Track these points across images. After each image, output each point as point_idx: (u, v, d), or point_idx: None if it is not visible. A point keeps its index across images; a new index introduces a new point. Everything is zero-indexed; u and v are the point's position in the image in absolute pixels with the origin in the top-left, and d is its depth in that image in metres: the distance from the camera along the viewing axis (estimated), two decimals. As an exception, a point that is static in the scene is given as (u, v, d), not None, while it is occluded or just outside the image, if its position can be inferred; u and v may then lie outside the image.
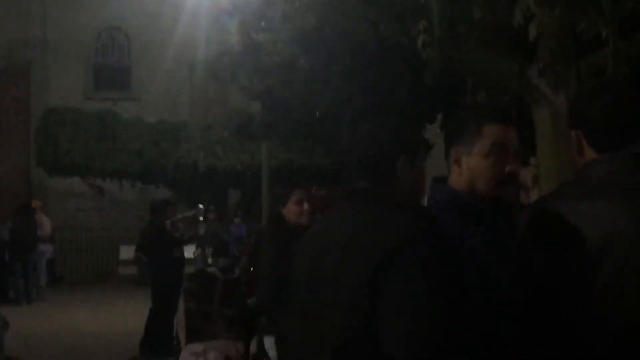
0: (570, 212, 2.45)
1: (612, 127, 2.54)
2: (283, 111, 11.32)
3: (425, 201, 2.89)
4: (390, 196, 2.41)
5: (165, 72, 28.03)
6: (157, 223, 11.41)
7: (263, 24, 9.52)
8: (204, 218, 17.39)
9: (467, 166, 2.72)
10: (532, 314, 2.49)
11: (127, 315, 14.07)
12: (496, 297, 2.53)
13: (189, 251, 15.19)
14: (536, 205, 2.71)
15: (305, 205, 5.61)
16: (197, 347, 8.15)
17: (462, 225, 2.63)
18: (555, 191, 2.69)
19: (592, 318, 2.38)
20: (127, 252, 19.66)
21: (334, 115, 10.86)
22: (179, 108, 28.58)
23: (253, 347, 7.98)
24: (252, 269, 9.26)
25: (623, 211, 2.40)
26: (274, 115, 12.19)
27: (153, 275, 11.42)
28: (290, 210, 5.61)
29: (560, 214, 2.47)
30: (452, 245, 2.44)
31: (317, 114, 10.96)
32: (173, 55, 26.58)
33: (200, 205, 13.81)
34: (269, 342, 5.53)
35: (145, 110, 25.06)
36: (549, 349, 2.44)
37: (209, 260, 19.28)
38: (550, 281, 2.46)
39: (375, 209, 2.35)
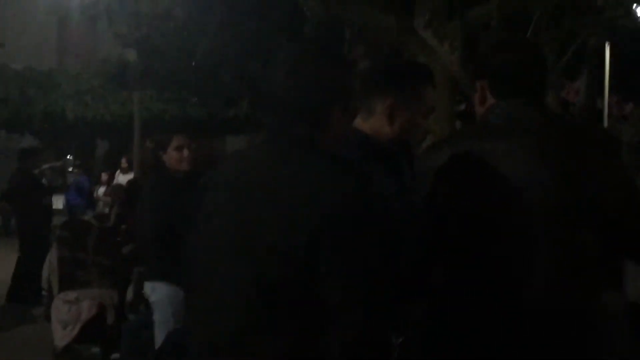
0: (469, 151, 2.64)
1: (514, 78, 2.72)
2: (159, 60, 11.22)
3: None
4: (321, 143, 2.37)
5: (32, 19, 27.12)
6: (25, 171, 11.20)
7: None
8: (72, 168, 17.14)
9: (403, 121, 2.85)
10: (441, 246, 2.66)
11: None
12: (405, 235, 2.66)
13: (58, 201, 14.88)
14: (436, 146, 2.85)
15: (185, 152, 5.56)
16: (71, 295, 8.05)
17: (371, 166, 2.71)
18: (454, 133, 2.87)
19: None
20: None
21: (209, 65, 10.85)
22: (46, 55, 27.74)
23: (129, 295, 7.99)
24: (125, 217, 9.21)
25: (520, 149, 2.57)
26: (150, 63, 12.04)
27: (20, 223, 11.23)
28: (171, 156, 5.56)
29: (458, 153, 2.65)
30: (380, 196, 2.53)
31: (193, 63, 10.95)
32: (41, 1, 25.74)
33: (69, 156, 13.57)
34: (149, 288, 5.51)
35: (10, 57, 24.19)
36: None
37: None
38: (450, 212, 2.65)
39: (313, 157, 2.33)
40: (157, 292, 5.43)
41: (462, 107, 9.96)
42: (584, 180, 2.53)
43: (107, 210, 14.06)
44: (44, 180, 11.66)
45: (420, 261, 2.70)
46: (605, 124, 12.84)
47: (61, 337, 7.86)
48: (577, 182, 2.53)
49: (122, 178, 16.38)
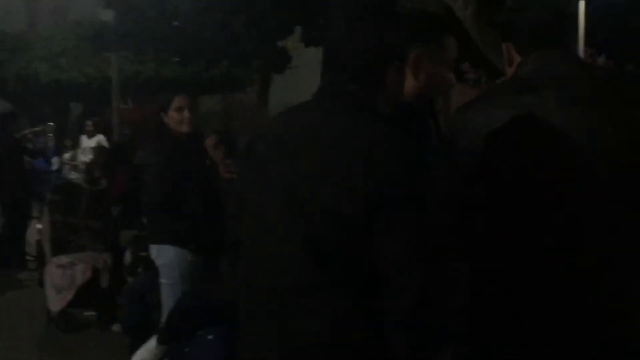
0: (506, 106, 2.53)
1: (537, 30, 2.66)
2: (139, 20, 11.09)
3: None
4: (375, 103, 2.36)
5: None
6: (5, 135, 11.11)
7: None
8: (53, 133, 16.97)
9: (428, 72, 2.82)
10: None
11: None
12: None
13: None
14: (472, 105, 2.80)
15: (186, 113, 5.50)
16: (64, 259, 8.00)
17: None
18: (488, 91, 2.83)
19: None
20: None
21: (191, 25, 10.74)
22: (15, 17, 27.31)
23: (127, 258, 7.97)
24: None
25: (557, 100, 2.49)
26: (129, 24, 11.89)
27: (2, 188, 11.15)
28: (171, 118, 5.50)
29: (495, 109, 2.55)
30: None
31: (174, 24, 10.83)
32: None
33: (51, 123, 13.44)
34: (155, 251, 5.48)
35: (-21, 20, 23.83)
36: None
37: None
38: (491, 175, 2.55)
39: (372, 119, 2.29)
40: (163, 254, 5.40)
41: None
42: (631, 123, 2.47)
43: (74, 175, 13.98)
44: (29, 145, 11.58)
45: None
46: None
47: (55, 301, 7.82)
48: (625, 125, 2.46)
49: (86, 142, 16.20)
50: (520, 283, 2.45)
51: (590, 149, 2.43)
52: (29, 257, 10.81)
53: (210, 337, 4.41)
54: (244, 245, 2.47)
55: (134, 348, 5.59)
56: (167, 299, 5.30)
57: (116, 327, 7.38)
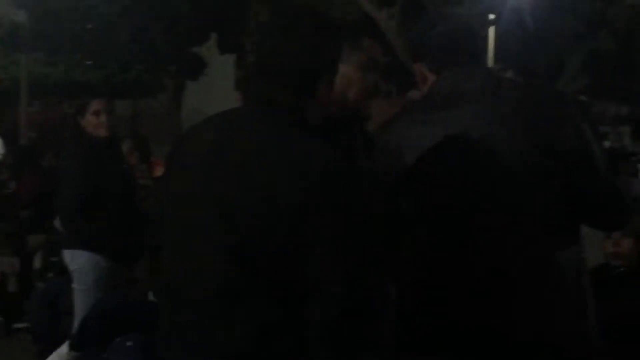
0: (425, 124, 2.68)
1: (447, 53, 2.75)
2: (53, 22, 10.92)
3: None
4: (308, 113, 2.34)
5: None
6: None
7: None
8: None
9: (342, 74, 2.71)
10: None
11: None
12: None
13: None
14: (392, 124, 2.88)
15: (103, 117, 5.43)
16: (-30, 263, 7.84)
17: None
18: (406, 109, 2.90)
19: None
20: None
21: (106, 28, 10.63)
22: None
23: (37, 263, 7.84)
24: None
25: (472, 117, 2.63)
26: (43, 25, 11.70)
27: None
28: (89, 122, 5.42)
29: (414, 128, 2.69)
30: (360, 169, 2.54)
31: (89, 26, 10.69)
32: None
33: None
34: (69, 256, 5.40)
35: None
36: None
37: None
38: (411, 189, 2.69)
39: (300, 128, 2.29)
40: (77, 260, 5.32)
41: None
42: (540, 137, 2.58)
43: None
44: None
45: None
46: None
47: (-40, 306, 7.64)
48: (531, 141, 2.58)
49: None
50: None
51: (504, 158, 2.58)
52: None
53: (129, 343, 4.38)
54: (167, 253, 2.44)
55: (42, 354, 5.50)
56: (80, 304, 5.23)
57: (24, 333, 7.24)
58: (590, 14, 12.86)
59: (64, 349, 5.02)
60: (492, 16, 13.99)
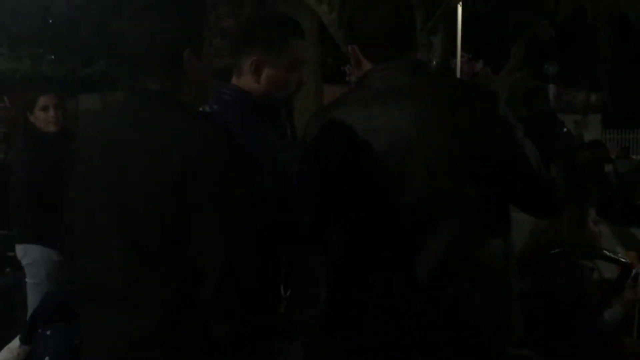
0: (354, 117, 2.70)
1: (385, 39, 2.75)
2: (15, 16, 10.88)
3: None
4: (179, 94, 2.39)
5: None
6: None
7: None
8: None
9: (269, 76, 2.83)
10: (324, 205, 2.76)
11: None
12: (286, 189, 2.74)
13: None
14: (323, 113, 2.92)
15: (52, 112, 5.43)
16: None
17: (253, 124, 2.78)
18: (339, 99, 2.91)
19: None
20: None
21: (68, 22, 10.60)
22: None
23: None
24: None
25: (402, 111, 2.64)
26: (4, 20, 11.65)
27: None
28: (38, 117, 5.42)
29: (345, 118, 2.71)
30: (242, 147, 2.58)
31: (50, 21, 10.67)
32: None
33: None
34: (21, 250, 5.42)
35: None
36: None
37: None
38: (340, 177, 2.73)
39: (166, 112, 2.33)
40: (29, 254, 5.35)
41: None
42: (466, 136, 2.60)
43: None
44: None
45: (308, 215, 2.78)
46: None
47: None
48: (459, 139, 2.60)
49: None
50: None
51: (431, 157, 2.61)
52: None
53: (48, 332, 4.46)
54: (73, 244, 2.51)
55: (-2, 348, 5.50)
56: (33, 298, 5.25)
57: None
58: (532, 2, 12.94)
59: (15, 342, 5.04)
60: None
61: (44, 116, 5.41)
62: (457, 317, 2.62)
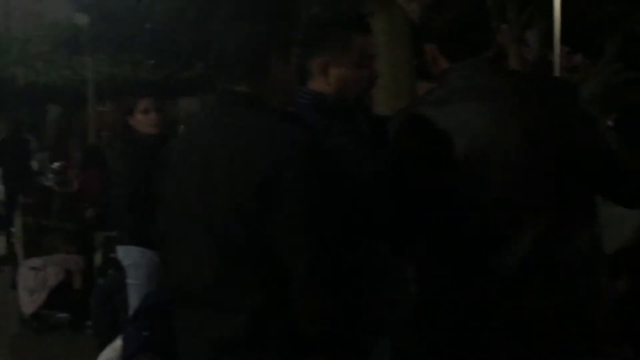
0: (434, 115, 2.66)
1: (461, 37, 2.73)
2: (112, 24, 11.15)
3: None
4: (266, 97, 2.43)
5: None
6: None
7: None
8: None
9: (337, 76, 2.84)
10: (403, 204, 2.70)
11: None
12: (363, 189, 2.71)
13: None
14: (404, 112, 2.90)
15: (152, 115, 5.54)
16: (36, 261, 8.05)
17: (330, 126, 2.76)
18: (420, 98, 2.89)
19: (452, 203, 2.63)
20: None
21: (166, 27, 10.81)
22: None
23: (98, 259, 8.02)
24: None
25: (482, 109, 2.61)
26: (103, 27, 11.94)
27: None
28: (138, 120, 5.53)
29: (425, 117, 2.67)
30: (325, 150, 2.58)
31: (148, 27, 10.90)
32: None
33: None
34: (122, 252, 5.54)
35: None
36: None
37: None
38: (420, 175, 2.67)
39: (254, 115, 2.38)
40: (130, 256, 5.46)
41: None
42: (546, 132, 2.57)
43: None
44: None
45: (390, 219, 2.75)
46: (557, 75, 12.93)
47: (28, 304, 7.87)
48: (542, 137, 2.57)
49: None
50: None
51: (499, 159, 2.57)
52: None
53: (146, 333, 4.54)
54: (165, 247, 2.56)
55: (102, 348, 5.63)
56: (134, 299, 5.35)
57: (89, 329, 7.41)
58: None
59: (118, 342, 5.14)
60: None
61: (144, 119, 5.51)
62: (542, 315, 2.57)
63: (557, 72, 13.57)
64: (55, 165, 11.38)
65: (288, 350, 2.30)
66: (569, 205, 2.60)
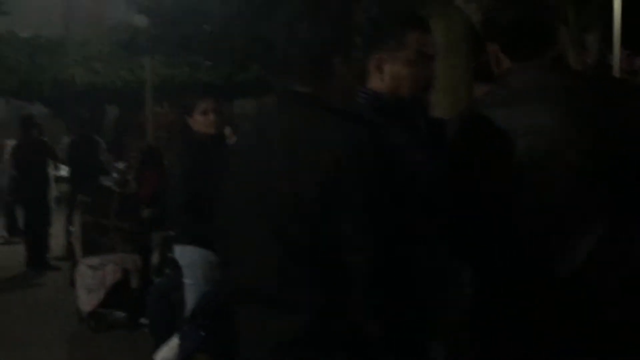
0: (496, 117, 2.62)
1: (523, 38, 2.70)
2: (171, 25, 11.25)
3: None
4: (327, 98, 2.43)
5: (37, -15, 27.00)
6: (33, 137, 11.42)
7: None
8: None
9: (391, 73, 2.82)
10: (462, 206, 2.67)
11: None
12: (421, 189, 2.71)
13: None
14: (464, 113, 2.87)
15: (212, 116, 5.59)
16: (94, 260, 8.16)
17: (387, 126, 2.75)
18: (480, 99, 2.86)
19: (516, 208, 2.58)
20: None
21: (223, 29, 10.88)
22: (53, 22, 27.61)
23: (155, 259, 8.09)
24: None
25: (544, 113, 2.56)
26: (162, 29, 12.03)
27: (26, 191, 11.47)
28: (197, 121, 5.58)
29: (487, 118, 2.63)
30: (386, 150, 2.57)
31: (207, 28, 11.01)
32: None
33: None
34: (179, 251, 5.58)
35: (17, 25, 24.04)
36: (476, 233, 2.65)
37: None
38: (480, 177, 2.64)
39: (317, 114, 2.38)
40: (187, 255, 5.50)
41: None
42: (610, 136, 2.52)
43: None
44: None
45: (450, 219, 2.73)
46: (617, 79, 12.70)
47: (86, 302, 7.98)
48: (603, 139, 2.52)
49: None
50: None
51: (566, 162, 2.52)
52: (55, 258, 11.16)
53: (203, 333, 4.57)
54: (227, 247, 2.59)
55: (158, 347, 5.69)
56: (190, 298, 5.39)
57: (145, 328, 7.48)
58: None
59: (174, 341, 5.20)
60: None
61: (203, 120, 5.57)
62: (605, 320, 2.53)
63: (617, 75, 13.34)
64: (121, 165, 11.58)
65: (349, 350, 2.29)
66: (631, 210, 2.55)
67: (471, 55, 7.43)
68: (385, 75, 2.83)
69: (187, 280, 5.51)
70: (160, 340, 5.82)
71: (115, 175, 10.70)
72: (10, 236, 13.86)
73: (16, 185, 12.37)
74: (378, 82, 2.84)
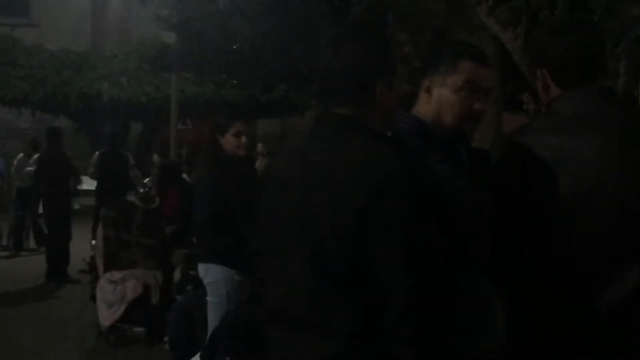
0: (541, 145, 2.59)
1: (574, 65, 2.68)
2: (200, 42, 11.32)
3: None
4: (368, 121, 2.41)
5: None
6: (57, 150, 11.45)
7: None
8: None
9: (437, 97, 2.83)
10: (504, 233, 2.64)
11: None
12: (462, 216, 2.68)
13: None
14: (510, 139, 2.84)
15: (243, 138, 5.60)
16: (116, 275, 8.15)
17: (428, 153, 2.73)
18: (526, 125, 2.83)
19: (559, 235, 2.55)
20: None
21: (251, 47, 10.93)
22: (82, 37, 27.83)
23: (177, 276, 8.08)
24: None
25: (592, 142, 2.53)
26: (191, 46, 12.11)
27: (50, 203, 11.49)
28: (229, 142, 5.59)
29: (531, 146, 2.60)
30: (427, 176, 2.55)
31: (235, 46, 11.04)
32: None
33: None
34: (203, 269, 5.57)
35: (46, 38, 24.22)
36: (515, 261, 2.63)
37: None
38: (522, 206, 2.61)
39: (357, 138, 2.36)
40: (211, 273, 5.49)
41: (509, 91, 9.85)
42: None
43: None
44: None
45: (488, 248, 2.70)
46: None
47: (106, 316, 7.96)
48: None
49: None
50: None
51: (610, 197, 2.50)
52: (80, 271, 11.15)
53: (227, 358, 4.55)
54: (260, 268, 2.58)
55: (178, 364, 5.67)
56: (213, 317, 5.38)
57: (165, 344, 7.46)
58: None
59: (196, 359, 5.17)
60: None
61: (235, 141, 5.59)
62: None
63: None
64: (148, 181, 11.61)
65: None
66: None
67: (500, 84, 7.42)
68: (432, 97, 2.84)
69: (210, 299, 5.50)
70: (179, 357, 5.80)
71: (141, 190, 10.71)
72: (38, 246, 13.87)
73: (37, 196, 12.45)
74: (424, 104, 2.85)
